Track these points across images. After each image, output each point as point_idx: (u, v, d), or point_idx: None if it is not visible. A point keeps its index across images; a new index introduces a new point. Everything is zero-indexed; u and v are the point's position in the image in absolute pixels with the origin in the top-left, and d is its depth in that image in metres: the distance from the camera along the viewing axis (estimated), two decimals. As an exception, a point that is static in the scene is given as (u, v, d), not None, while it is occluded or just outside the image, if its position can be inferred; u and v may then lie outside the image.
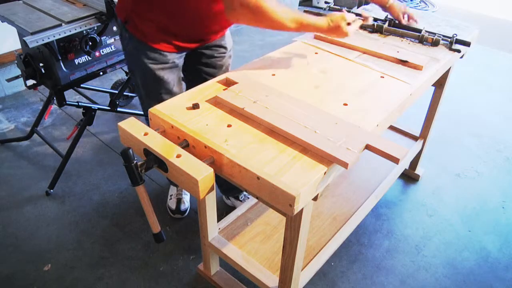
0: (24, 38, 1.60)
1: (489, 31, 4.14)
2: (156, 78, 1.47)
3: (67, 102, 1.95)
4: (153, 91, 1.52)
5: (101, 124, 2.52)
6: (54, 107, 2.60)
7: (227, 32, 1.60)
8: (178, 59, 1.49)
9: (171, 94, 1.52)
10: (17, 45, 2.32)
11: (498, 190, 2.18)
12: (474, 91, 3.15)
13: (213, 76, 1.59)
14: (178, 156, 0.94)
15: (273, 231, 1.56)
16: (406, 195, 2.12)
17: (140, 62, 1.45)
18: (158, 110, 1.11)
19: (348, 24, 1.29)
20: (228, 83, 1.26)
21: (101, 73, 1.99)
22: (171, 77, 1.49)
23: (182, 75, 1.58)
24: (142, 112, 2.47)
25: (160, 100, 1.53)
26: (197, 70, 1.62)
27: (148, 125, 1.61)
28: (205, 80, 1.58)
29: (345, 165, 0.94)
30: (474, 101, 3.01)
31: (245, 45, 3.71)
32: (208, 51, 1.56)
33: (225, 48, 1.59)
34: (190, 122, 1.06)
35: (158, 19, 1.36)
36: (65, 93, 1.92)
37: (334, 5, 1.83)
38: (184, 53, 1.52)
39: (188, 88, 1.68)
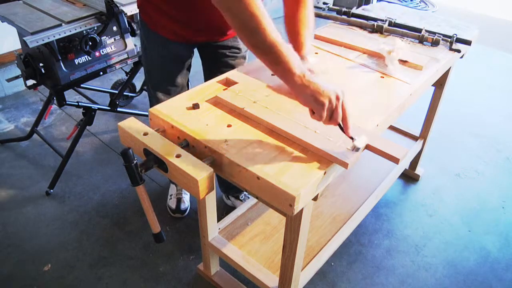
0: (24, 38, 1.60)
1: (489, 31, 4.14)
2: (159, 65, 1.51)
3: (67, 102, 1.95)
4: (156, 80, 1.56)
5: (101, 124, 2.52)
6: (54, 107, 2.60)
7: None
8: (184, 51, 1.50)
9: (174, 84, 1.54)
10: (17, 45, 2.32)
11: (498, 190, 2.18)
12: (474, 91, 3.15)
13: (224, 73, 1.60)
14: (178, 156, 0.94)
15: (273, 231, 1.56)
16: (406, 195, 2.12)
17: (146, 48, 1.51)
18: (158, 110, 1.11)
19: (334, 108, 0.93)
20: (228, 83, 1.26)
21: (101, 73, 1.99)
22: (175, 68, 1.51)
23: (188, 69, 1.60)
24: (142, 112, 2.48)
25: (163, 90, 1.56)
26: (212, 70, 1.63)
27: None
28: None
29: (345, 165, 0.94)
30: (474, 101, 3.01)
31: (245, 45, 3.71)
32: (221, 50, 1.57)
33: (238, 49, 1.59)
34: (190, 122, 1.06)
35: (166, 7, 1.38)
36: (65, 93, 1.92)
37: (333, 5, 1.84)
38: (192, 47, 1.53)
39: None
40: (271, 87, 1.20)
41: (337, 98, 0.92)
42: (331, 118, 0.94)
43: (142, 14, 1.48)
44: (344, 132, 0.96)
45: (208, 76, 1.67)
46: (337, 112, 0.93)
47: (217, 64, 1.60)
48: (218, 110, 1.13)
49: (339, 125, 0.96)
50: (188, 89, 1.64)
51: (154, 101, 1.63)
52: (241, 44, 1.60)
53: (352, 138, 0.96)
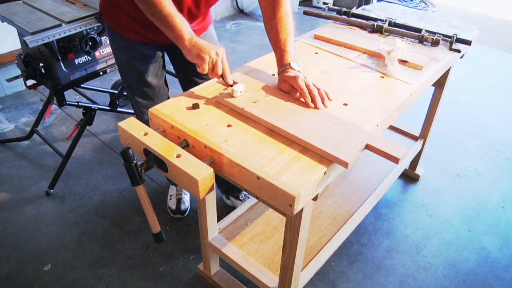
0: (24, 38, 1.60)
1: (489, 31, 4.15)
2: (129, 67, 1.50)
3: (67, 102, 1.95)
4: (129, 81, 1.55)
5: (101, 124, 2.52)
6: (54, 107, 2.60)
7: (208, 33, 1.59)
8: (149, 51, 1.49)
9: (148, 86, 1.53)
10: (17, 45, 2.33)
11: (498, 190, 2.18)
12: (474, 91, 3.15)
13: (197, 77, 1.60)
14: (178, 156, 0.94)
15: (273, 231, 1.56)
16: (406, 195, 2.12)
17: (115, 51, 1.52)
18: (158, 110, 1.11)
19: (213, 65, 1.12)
20: (228, 83, 1.26)
21: (101, 73, 1.99)
22: (144, 68, 1.50)
23: (161, 68, 1.58)
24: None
25: (139, 90, 1.56)
26: (183, 71, 1.64)
27: (138, 117, 1.64)
28: (193, 81, 1.59)
29: (345, 164, 0.94)
30: (474, 101, 3.01)
31: (245, 45, 3.71)
32: None
33: None
34: (190, 122, 1.06)
35: (127, 7, 1.37)
36: (65, 93, 1.92)
37: (333, 5, 1.84)
38: (158, 48, 1.51)
39: (183, 89, 1.69)
40: (265, 90, 1.20)
41: (217, 54, 1.11)
42: (213, 70, 1.13)
43: (105, 16, 1.47)
44: (225, 82, 1.17)
45: (181, 80, 1.67)
46: (217, 65, 1.12)
47: (186, 66, 1.59)
48: (218, 110, 1.13)
49: (221, 76, 1.15)
50: (168, 87, 1.65)
51: (135, 105, 1.61)
52: None
53: (231, 85, 1.16)
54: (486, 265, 1.77)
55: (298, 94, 1.15)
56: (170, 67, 1.74)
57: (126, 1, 1.36)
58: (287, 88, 1.18)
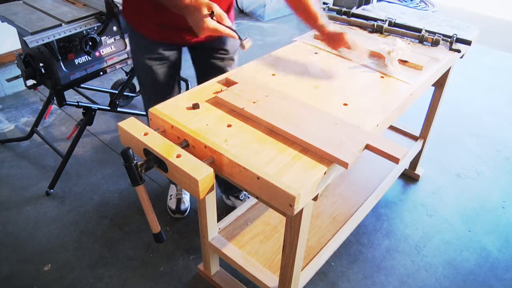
0: (24, 38, 1.60)
1: (489, 31, 4.14)
2: (145, 68, 1.51)
3: (67, 102, 1.95)
4: (143, 79, 1.57)
5: (101, 124, 2.52)
6: (54, 107, 2.60)
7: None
8: (168, 51, 1.49)
9: (160, 85, 1.54)
10: (17, 45, 2.33)
11: (498, 190, 2.18)
12: (474, 91, 3.15)
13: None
14: (178, 156, 0.94)
15: (273, 231, 1.56)
16: (406, 195, 2.12)
17: (133, 50, 1.54)
18: (158, 110, 1.11)
19: (211, 16, 1.11)
20: (228, 83, 1.26)
21: (101, 73, 1.99)
22: (161, 70, 1.51)
23: (176, 70, 1.59)
24: (142, 112, 2.48)
25: (151, 89, 1.57)
26: (202, 72, 1.64)
27: (147, 115, 1.65)
28: None
29: (345, 165, 0.94)
30: (474, 101, 3.01)
31: (245, 45, 3.71)
32: (209, 52, 1.57)
33: (225, 50, 1.58)
34: (190, 122, 1.06)
35: (146, 7, 1.37)
36: (65, 93, 1.92)
37: (333, 5, 1.84)
38: (177, 48, 1.52)
39: None
40: (265, 90, 1.20)
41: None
42: (219, 22, 1.12)
43: (126, 16, 1.48)
44: (233, 36, 1.16)
45: (200, 78, 1.67)
46: (224, 17, 1.12)
47: (206, 66, 1.60)
48: (218, 110, 1.13)
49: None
50: (180, 89, 1.66)
51: (145, 103, 1.63)
52: (228, 46, 1.58)
53: (241, 38, 1.19)
54: (486, 265, 1.77)
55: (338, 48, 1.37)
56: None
57: (145, 4, 1.37)
58: (330, 35, 1.37)
